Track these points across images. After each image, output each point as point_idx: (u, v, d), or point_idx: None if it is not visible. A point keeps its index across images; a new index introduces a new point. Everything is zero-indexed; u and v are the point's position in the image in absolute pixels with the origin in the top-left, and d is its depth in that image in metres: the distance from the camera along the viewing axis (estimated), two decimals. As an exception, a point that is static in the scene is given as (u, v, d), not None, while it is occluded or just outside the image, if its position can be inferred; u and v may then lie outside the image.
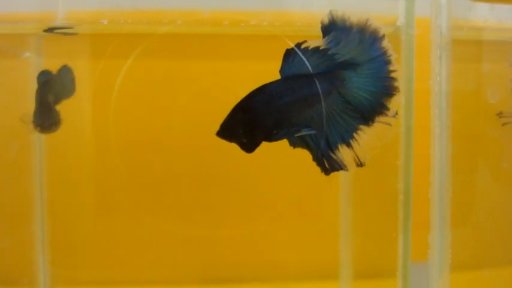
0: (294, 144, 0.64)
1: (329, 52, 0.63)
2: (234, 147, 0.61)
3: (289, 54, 0.62)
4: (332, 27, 0.62)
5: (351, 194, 0.87)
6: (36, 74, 0.77)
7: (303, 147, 0.65)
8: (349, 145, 0.64)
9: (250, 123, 0.63)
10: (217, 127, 0.63)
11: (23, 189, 0.82)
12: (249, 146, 0.63)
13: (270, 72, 0.60)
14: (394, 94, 0.63)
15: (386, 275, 0.81)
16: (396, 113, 0.64)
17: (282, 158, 0.78)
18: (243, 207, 0.87)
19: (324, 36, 0.62)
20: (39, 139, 0.83)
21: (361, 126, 0.64)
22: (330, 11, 0.62)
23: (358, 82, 0.64)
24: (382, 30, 0.62)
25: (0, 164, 0.76)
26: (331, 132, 0.64)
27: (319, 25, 0.62)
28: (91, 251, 0.85)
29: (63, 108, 0.78)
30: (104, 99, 0.80)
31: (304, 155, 0.64)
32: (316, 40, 0.62)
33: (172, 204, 0.85)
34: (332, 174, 0.78)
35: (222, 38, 0.83)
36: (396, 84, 0.63)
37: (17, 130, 0.79)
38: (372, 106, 0.64)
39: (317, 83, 0.63)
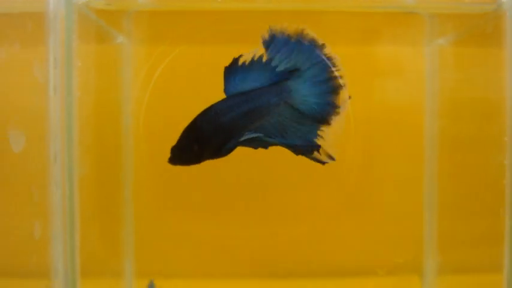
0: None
1: (272, 64, 0.64)
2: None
3: (229, 72, 0.64)
4: (272, 40, 0.64)
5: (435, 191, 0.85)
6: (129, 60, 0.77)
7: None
8: (317, 148, 0.66)
9: (199, 145, 0.65)
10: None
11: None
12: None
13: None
14: (339, 91, 0.64)
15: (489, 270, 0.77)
16: (349, 97, 0.65)
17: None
18: (309, 205, 0.87)
19: (266, 50, 0.64)
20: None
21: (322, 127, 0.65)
22: (270, 27, 0.63)
23: (304, 89, 0.65)
24: (321, 40, 0.64)
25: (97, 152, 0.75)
26: (291, 138, 0.66)
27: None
28: (171, 245, 0.86)
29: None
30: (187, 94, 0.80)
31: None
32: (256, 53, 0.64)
33: (238, 205, 0.87)
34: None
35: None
36: (339, 81, 0.64)
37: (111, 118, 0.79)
38: (323, 108, 0.65)
39: (263, 96, 0.64)
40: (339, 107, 0.64)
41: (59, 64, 0.62)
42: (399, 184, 0.86)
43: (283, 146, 0.66)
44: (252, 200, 0.87)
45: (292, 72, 0.64)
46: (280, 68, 0.64)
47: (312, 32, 0.63)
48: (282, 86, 0.64)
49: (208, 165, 0.75)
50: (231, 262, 0.88)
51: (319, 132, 0.65)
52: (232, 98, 0.64)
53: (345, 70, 0.81)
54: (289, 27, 0.63)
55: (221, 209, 0.87)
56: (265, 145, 0.66)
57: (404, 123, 0.85)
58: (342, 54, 0.83)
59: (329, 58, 0.64)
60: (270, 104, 0.64)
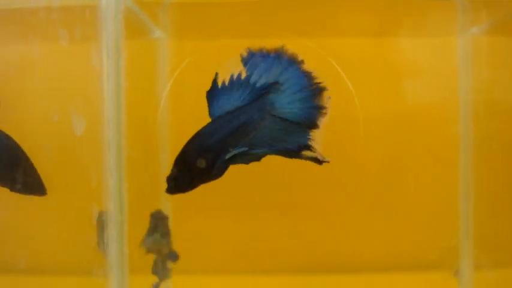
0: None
1: (250, 81, 0.64)
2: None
3: (211, 96, 0.64)
4: (250, 58, 0.64)
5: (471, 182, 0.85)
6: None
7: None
8: (309, 148, 0.65)
9: (190, 173, 0.65)
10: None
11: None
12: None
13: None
14: (321, 93, 0.64)
15: None
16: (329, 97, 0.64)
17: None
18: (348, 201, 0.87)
19: (244, 67, 0.64)
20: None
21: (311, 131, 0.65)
22: (248, 47, 0.64)
23: (286, 98, 0.64)
24: (300, 57, 0.64)
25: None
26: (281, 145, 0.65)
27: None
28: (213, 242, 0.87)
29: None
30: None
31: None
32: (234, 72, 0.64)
33: (277, 201, 0.87)
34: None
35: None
36: (321, 84, 0.64)
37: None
38: (307, 112, 0.64)
39: (246, 113, 0.64)
40: (324, 108, 0.64)
41: (111, 55, 0.63)
42: (434, 180, 0.86)
43: (274, 154, 0.66)
44: (276, 199, 0.87)
45: (271, 86, 0.64)
46: (260, 83, 0.64)
47: (291, 49, 0.63)
48: (263, 100, 0.64)
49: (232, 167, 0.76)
50: (253, 258, 0.89)
51: (308, 136, 0.65)
52: (216, 120, 0.64)
53: (368, 67, 0.82)
54: (269, 44, 0.63)
55: (243, 207, 0.87)
56: (256, 158, 0.66)
57: (437, 120, 0.86)
58: (364, 49, 0.85)
59: (307, 72, 0.64)
60: (254, 120, 0.64)
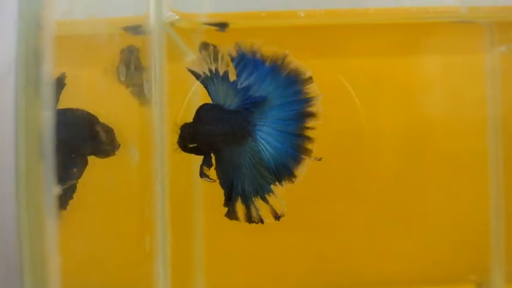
0: None
1: (241, 85, 0.57)
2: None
3: (206, 84, 0.59)
4: (241, 59, 0.57)
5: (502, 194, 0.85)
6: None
7: None
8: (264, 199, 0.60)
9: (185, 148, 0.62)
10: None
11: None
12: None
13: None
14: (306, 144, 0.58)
15: None
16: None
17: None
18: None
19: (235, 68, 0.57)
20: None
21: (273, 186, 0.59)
22: (236, 43, 0.57)
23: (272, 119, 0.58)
24: (308, 72, 0.56)
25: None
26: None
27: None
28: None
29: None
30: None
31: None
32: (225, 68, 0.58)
33: (297, 218, 0.86)
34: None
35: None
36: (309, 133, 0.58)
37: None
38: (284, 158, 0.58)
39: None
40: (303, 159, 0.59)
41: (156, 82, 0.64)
42: (466, 196, 0.86)
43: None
44: (301, 215, 0.86)
45: (262, 103, 0.57)
46: (251, 93, 0.57)
47: (296, 61, 0.57)
48: (246, 115, 0.58)
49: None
50: (281, 276, 0.89)
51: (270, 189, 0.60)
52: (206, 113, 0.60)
53: (399, 83, 0.82)
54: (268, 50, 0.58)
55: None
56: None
57: (464, 138, 0.86)
58: (396, 67, 0.85)
59: (308, 96, 0.57)
60: (236, 133, 0.59)
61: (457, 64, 0.85)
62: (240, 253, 0.87)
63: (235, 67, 0.57)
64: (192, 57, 0.85)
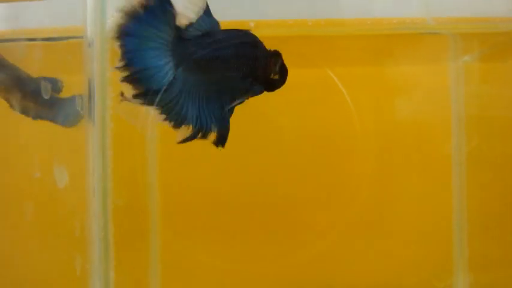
0: None
1: None
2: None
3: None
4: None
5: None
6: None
7: None
8: None
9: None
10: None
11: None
12: None
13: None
14: None
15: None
16: None
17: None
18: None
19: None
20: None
21: None
22: None
23: None
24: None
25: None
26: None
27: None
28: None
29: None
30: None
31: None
32: None
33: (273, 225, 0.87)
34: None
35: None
36: None
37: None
38: None
39: None
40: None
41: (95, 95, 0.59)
42: (428, 204, 0.87)
43: None
44: (272, 222, 0.87)
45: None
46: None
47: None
48: None
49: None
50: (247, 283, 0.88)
51: None
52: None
53: (368, 92, 0.82)
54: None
55: (239, 233, 0.87)
56: None
57: (430, 141, 0.88)
58: (364, 76, 0.85)
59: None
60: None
61: (423, 72, 0.87)
62: (200, 271, 0.86)
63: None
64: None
